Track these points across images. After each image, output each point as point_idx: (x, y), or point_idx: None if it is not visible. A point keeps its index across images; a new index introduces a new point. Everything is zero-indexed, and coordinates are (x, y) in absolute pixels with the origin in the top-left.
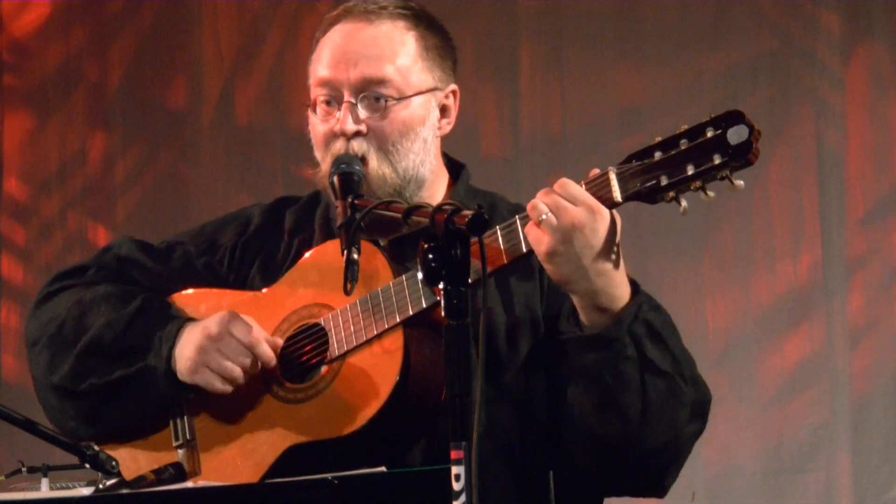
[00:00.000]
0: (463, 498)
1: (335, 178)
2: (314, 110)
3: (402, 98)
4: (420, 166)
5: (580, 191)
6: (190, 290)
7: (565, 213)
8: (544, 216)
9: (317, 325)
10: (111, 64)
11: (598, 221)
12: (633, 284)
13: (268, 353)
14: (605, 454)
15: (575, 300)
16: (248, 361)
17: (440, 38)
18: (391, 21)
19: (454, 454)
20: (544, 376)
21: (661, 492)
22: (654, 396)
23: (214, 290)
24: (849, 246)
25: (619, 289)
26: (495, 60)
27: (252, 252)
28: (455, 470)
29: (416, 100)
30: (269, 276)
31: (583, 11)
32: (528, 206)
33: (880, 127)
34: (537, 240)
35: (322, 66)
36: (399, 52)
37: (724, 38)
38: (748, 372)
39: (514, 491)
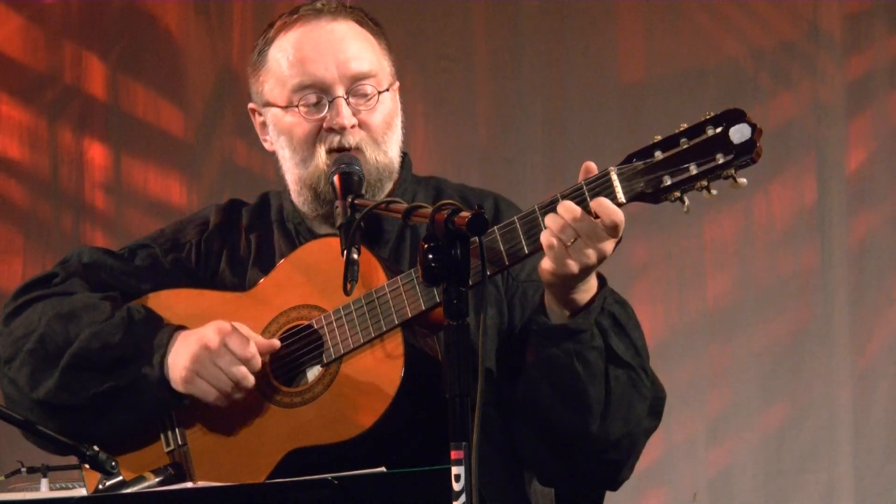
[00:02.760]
0: (463, 498)
1: (335, 178)
2: (291, 112)
3: (383, 91)
4: (397, 157)
5: (622, 219)
6: (168, 291)
7: (603, 245)
8: (573, 241)
9: (308, 327)
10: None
11: (616, 245)
12: (600, 277)
13: (259, 366)
14: (566, 445)
15: (549, 292)
16: (243, 376)
17: (386, 36)
18: (351, 19)
19: (454, 454)
20: (511, 360)
21: (614, 486)
22: (616, 387)
23: (193, 291)
24: (850, 245)
25: (590, 281)
26: (496, 59)
27: (217, 247)
28: (455, 470)
29: (390, 93)
30: (237, 270)
31: (584, 9)
32: (556, 228)
33: (881, 127)
34: (562, 261)
35: (299, 67)
36: (371, 47)
37: (724, 35)
38: (750, 372)
39: (512, 491)
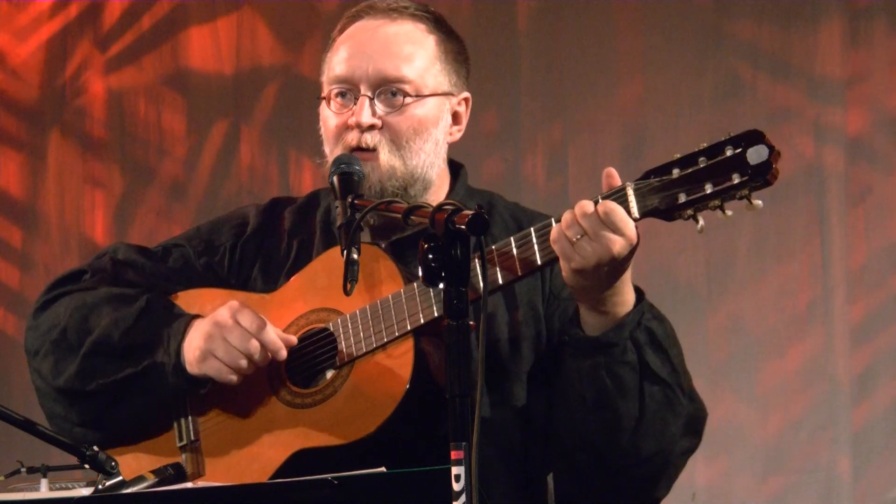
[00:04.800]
0: (463, 498)
1: (335, 178)
2: (328, 104)
3: (419, 97)
4: (429, 168)
5: (624, 220)
6: (195, 290)
7: (607, 241)
8: (580, 237)
9: (325, 329)
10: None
11: (633, 250)
12: (638, 291)
13: (275, 342)
14: (597, 458)
15: (578, 302)
16: (255, 349)
17: (457, 45)
18: (413, 22)
19: (454, 454)
20: (545, 378)
21: (652, 503)
22: (650, 404)
23: (220, 290)
24: (849, 248)
25: (625, 294)
26: (496, 59)
27: (251, 254)
28: (455, 470)
29: (432, 101)
30: (270, 277)
31: (583, 9)
32: (564, 223)
33: (881, 131)
34: (567, 256)
35: (340, 60)
36: (419, 51)
37: (724, 41)
38: (749, 372)
39: (515, 493)
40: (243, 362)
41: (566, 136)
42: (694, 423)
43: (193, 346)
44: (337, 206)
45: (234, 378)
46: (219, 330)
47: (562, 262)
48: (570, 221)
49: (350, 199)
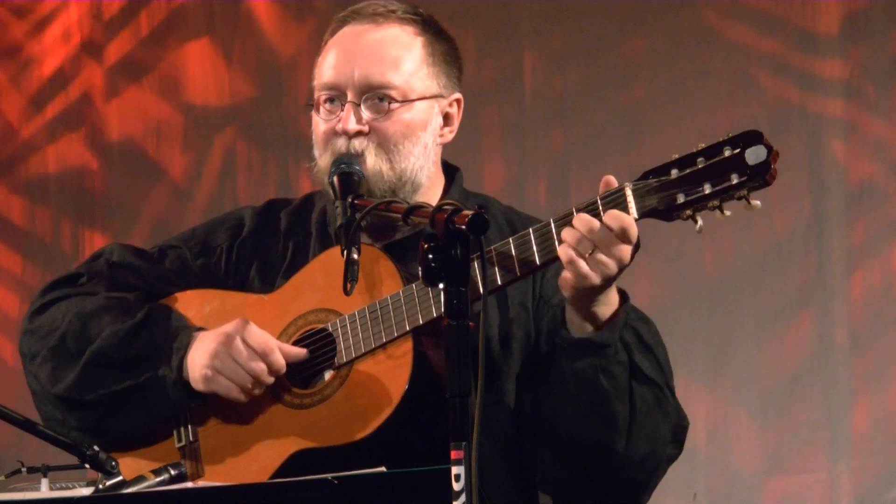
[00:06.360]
0: (463, 498)
1: (335, 179)
2: (317, 110)
3: (406, 101)
4: (419, 171)
5: (632, 225)
6: (192, 291)
7: (619, 252)
8: (590, 252)
9: (323, 330)
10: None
11: (634, 254)
12: (622, 293)
13: (280, 362)
14: (589, 464)
15: (570, 306)
16: (261, 371)
17: (447, 47)
18: (399, 25)
19: (454, 454)
20: (533, 380)
21: None
22: (641, 405)
23: (218, 292)
24: (848, 246)
25: (610, 295)
26: (497, 60)
27: (248, 254)
28: (455, 470)
29: (420, 104)
30: (268, 278)
31: (585, 10)
32: (572, 240)
33: (880, 136)
34: (584, 275)
35: (327, 67)
36: (405, 55)
37: (724, 44)
38: (748, 372)
39: (513, 491)
40: (249, 384)
41: (568, 138)
42: (678, 432)
43: (199, 364)
44: (337, 206)
45: (242, 398)
46: (226, 349)
47: (574, 279)
48: (579, 238)
49: (350, 199)
